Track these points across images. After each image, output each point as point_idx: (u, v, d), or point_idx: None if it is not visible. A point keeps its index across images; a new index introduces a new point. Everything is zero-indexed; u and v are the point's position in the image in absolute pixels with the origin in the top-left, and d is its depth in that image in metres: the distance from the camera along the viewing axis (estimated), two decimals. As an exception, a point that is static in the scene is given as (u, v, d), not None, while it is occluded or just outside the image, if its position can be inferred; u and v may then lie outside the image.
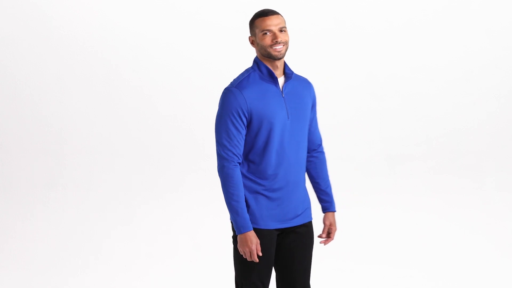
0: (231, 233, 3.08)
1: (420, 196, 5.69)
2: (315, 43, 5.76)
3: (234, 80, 3.01)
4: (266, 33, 2.97)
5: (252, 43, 3.03)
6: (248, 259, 2.97)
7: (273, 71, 3.03)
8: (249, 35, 3.04)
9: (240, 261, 3.04)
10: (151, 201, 5.64)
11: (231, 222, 3.02)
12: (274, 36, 2.97)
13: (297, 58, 5.83)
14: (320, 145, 3.32)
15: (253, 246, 2.94)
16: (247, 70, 3.05)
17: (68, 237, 5.39)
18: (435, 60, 5.82)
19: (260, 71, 3.02)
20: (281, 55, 3.01)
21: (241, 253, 2.98)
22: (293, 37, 5.77)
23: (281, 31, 2.99)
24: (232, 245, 3.08)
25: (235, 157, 2.93)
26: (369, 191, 5.69)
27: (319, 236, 3.29)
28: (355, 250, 5.20)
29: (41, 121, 5.75)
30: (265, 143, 2.98)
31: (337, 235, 5.47)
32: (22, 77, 5.70)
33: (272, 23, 2.97)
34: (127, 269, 5.03)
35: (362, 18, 5.78)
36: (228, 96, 2.95)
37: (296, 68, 5.84)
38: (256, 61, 3.04)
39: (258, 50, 3.02)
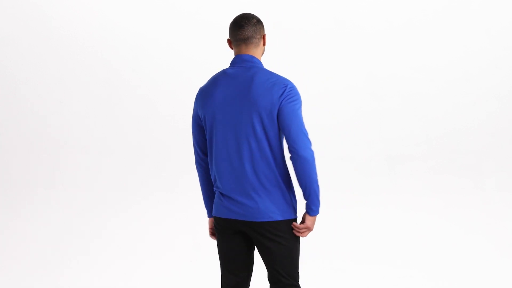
0: (287, 230, 3.05)
1: (420, 196, 5.70)
2: (315, 43, 5.77)
3: (280, 75, 3.05)
4: None
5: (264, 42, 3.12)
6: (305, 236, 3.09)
7: None
8: (264, 32, 3.10)
9: (298, 253, 3.13)
10: (151, 201, 5.64)
11: (308, 212, 3.05)
12: None
13: (297, 58, 5.85)
14: None
15: None
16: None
17: (67, 236, 5.39)
18: (435, 60, 5.82)
19: None
20: None
21: (305, 236, 3.08)
22: (293, 37, 5.81)
23: None
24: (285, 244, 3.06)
25: None
26: (369, 191, 5.69)
27: None
28: (355, 250, 5.20)
29: (41, 121, 5.75)
30: None
31: (337, 235, 5.49)
32: (22, 77, 5.71)
33: None
34: (127, 269, 5.03)
35: (362, 18, 5.78)
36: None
37: (296, 68, 5.87)
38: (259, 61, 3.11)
39: (262, 50, 3.11)
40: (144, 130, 5.76)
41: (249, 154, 3.00)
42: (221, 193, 3.07)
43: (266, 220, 3.00)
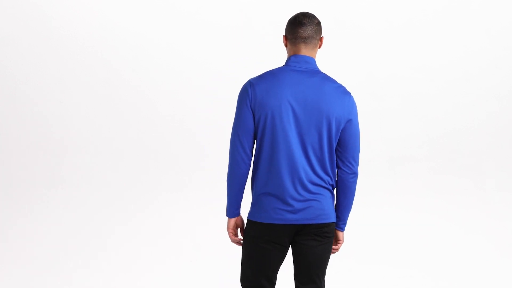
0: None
1: (420, 196, 5.70)
2: (315, 43, 5.76)
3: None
4: None
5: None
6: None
7: None
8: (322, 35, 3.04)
9: None
10: (151, 201, 5.64)
11: (341, 223, 3.11)
12: None
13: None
14: None
15: None
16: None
17: (68, 236, 5.39)
18: (435, 60, 5.82)
19: None
20: None
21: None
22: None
23: None
24: (324, 245, 3.09)
25: None
26: (370, 191, 5.69)
27: None
28: (355, 250, 5.20)
29: (41, 121, 5.75)
30: None
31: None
32: (22, 77, 5.71)
33: None
34: (128, 269, 5.03)
35: (362, 18, 5.78)
36: None
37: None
38: None
39: (316, 52, 3.05)
40: (144, 130, 5.76)
41: (312, 157, 2.92)
42: (276, 197, 2.92)
43: (328, 221, 2.99)
